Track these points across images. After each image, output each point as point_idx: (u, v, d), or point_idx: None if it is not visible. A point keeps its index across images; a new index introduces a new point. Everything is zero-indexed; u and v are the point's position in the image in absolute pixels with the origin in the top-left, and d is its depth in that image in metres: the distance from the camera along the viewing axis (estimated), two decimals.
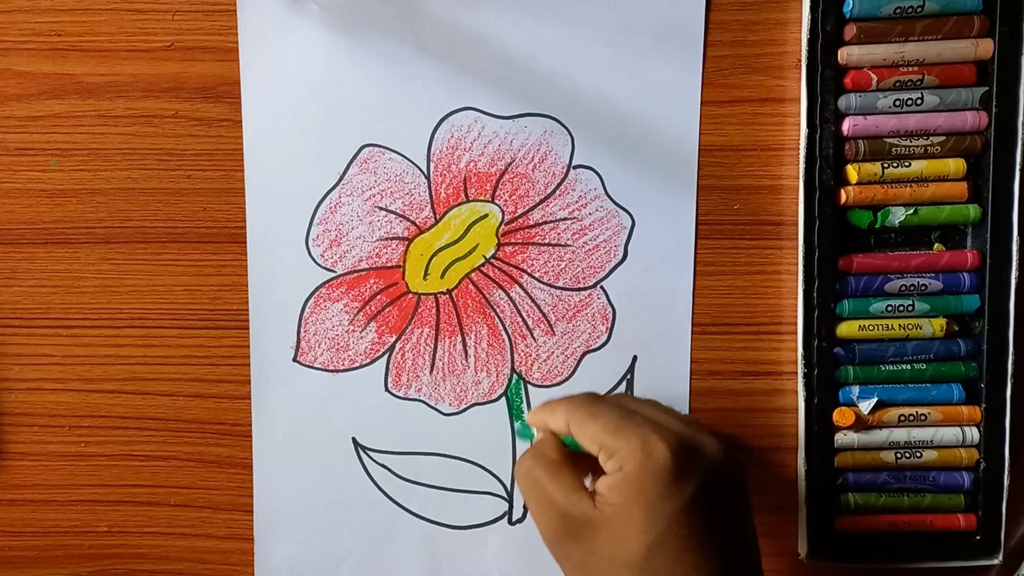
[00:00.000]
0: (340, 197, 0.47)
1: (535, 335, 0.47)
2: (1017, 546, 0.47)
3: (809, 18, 0.44)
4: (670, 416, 0.39)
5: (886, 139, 0.45)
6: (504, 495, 0.48)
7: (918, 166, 0.45)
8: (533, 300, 0.47)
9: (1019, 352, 0.45)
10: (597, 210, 0.47)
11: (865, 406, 0.46)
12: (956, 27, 0.44)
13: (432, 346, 0.48)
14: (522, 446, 0.48)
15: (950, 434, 0.46)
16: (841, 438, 0.46)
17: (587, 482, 0.40)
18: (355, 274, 0.47)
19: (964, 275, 0.46)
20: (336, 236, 0.47)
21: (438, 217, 0.47)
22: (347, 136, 0.47)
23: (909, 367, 0.46)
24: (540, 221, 0.47)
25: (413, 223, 0.47)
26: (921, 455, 0.46)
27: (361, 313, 0.47)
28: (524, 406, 0.48)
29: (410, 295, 0.47)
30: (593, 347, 0.47)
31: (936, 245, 0.46)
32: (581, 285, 0.47)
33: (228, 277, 0.48)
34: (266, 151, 0.47)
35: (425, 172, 0.47)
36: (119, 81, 0.47)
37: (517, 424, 0.47)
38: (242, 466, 0.48)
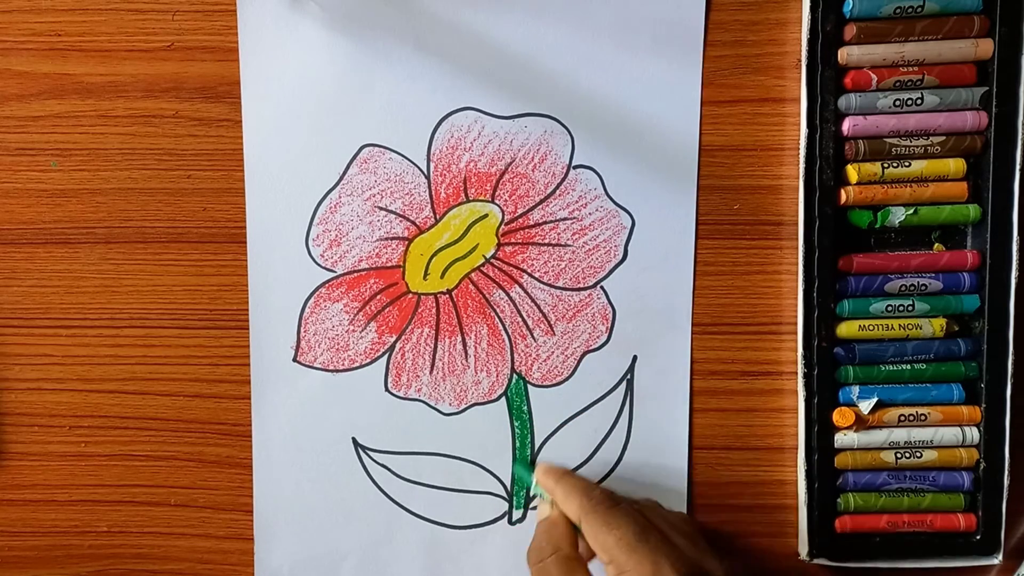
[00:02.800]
0: (340, 197, 0.47)
1: (535, 335, 0.47)
2: (1017, 546, 0.47)
3: (809, 18, 0.44)
4: (681, 535, 0.40)
5: (886, 139, 0.45)
6: (504, 495, 0.48)
7: (918, 166, 0.45)
8: (533, 300, 0.47)
9: (1019, 352, 0.45)
10: (597, 210, 0.47)
11: (865, 406, 0.46)
12: (956, 27, 0.44)
13: (432, 346, 0.48)
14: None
15: (950, 434, 0.46)
16: (841, 438, 0.46)
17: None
18: (355, 274, 0.47)
19: (964, 275, 0.46)
20: (336, 236, 0.47)
21: (438, 217, 0.47)
22: (347, 136, 0.47)
23: (909, 367, 0.46)
24: (540, 221, 0.47)
25: (413, 223, 0.47)
26: (921, 455, 0.46)
27: (361, 313, 0.47)
28: (525, 405, 0.48)
29: (410, 295, 0.47)
30: (593, 347, 0.47)
31: (936, 245, 0.46)
32: (581, 285, 0.47)
33: (228, 277, 0.48)
34: (266, 151, 0.47)
35: (425, 172, 0.47)
36: (119, 81, 0.47)
37: (518, 467, 0.47)
38: (242, 466, 0.48)
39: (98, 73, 0.47)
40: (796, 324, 0.46)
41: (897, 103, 0.45)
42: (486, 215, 0.47)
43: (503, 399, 0.48)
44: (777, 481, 0.48)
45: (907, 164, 0.45)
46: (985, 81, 0.45)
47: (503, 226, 0.47)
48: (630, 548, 0.39)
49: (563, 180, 0.47)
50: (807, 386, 0.46)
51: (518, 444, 0.48)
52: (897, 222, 0.46)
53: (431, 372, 0.48)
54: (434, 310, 0.47)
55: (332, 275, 0.47)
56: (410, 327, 0.47)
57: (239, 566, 0.49)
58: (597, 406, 0.48)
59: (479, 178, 0.47)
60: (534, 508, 0.48)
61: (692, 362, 0.47)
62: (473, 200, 0.47)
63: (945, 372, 0.46)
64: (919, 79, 0.44)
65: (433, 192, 0.47)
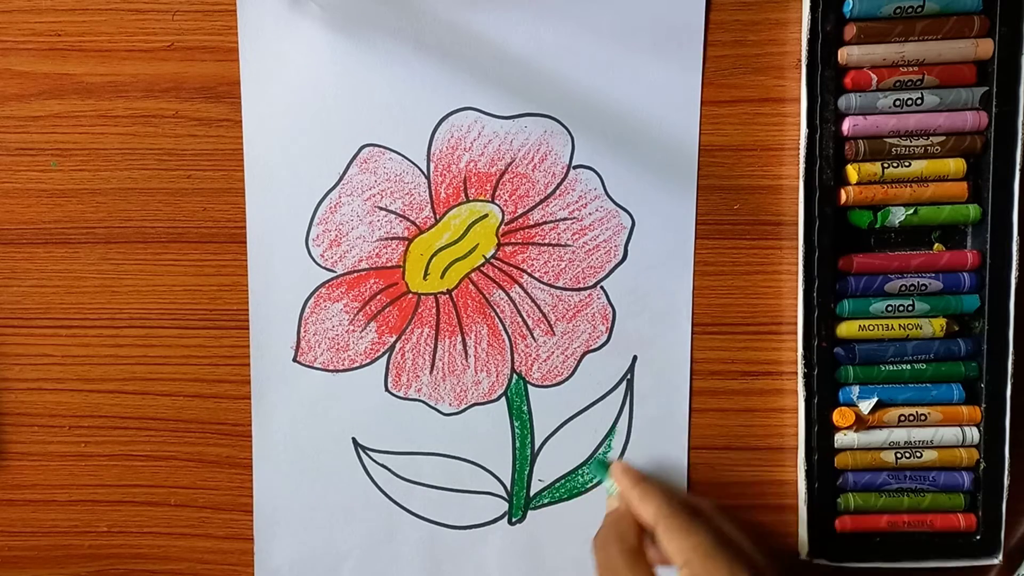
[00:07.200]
0: (340, 197, 0.47)
1: (535, 335, 0.47)
2: (1017, 546, 0.47)
3: (809, 18, 0.44)
4: (758, 553, 0.41)
5: (886, 139, 0.45)
6: (504, 495, 0.48)
7: (918, 166, 0.45)
8: (533, 300, 0.47)
9: (1019, 352, 0.45)
10: (597, 210, 0.47)
11: (865, 406, 0.46)
12: (956, 27, 0.44)
13: (432, 346, 0.48)
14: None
15: (950, 434, 0.46)
16: (841, 438, 0.46)
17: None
18: (355, 274, 0.47)
19: (964, 275, 0.46)
20: (336, 236, 0.47)
21: (438, 217, 0.47)
22: (347, 136, 0.47)
23: (909, 367, 0.46)
24: (540, 221, 0.47)
25: (413, 223, 0.47)
26: (921, 455, 0.46)
27: (361, 313, 0.47)
28: (525, 405, 0.48)
29: (410, 295, 0.47)
30: (593, 347, 0.47)
31: (936, 245, 0.46)
32: (581, 285, 0.47)
33: (228, 277, 0.48)
34: (266, 151, 0.47)
35: (425, 172, 0.47)
36: (119, 81, 0.47)
37: (595, 464, 0.47)
38: (242, 466, 0.48)
39: (98, 73, 0.47)
40: (796, 324, 0.46)
41: (897, 103, 0.45)
42: (486, 215, 0.47)
43: (503, 399, 0.48)
44: (777, 481, 0.48)
45: (907, 164, 0.45)
46: (985, 81, 0.45)
47: (503, 226, 0.47)
48: (707, 555, 0.39)
49: (563, 180, 0.47)
50: (807, 386, 0.46)
51: (518, 444, 0.48)
52: (897, 222, 0.46)
53: (431, 372, 0.48)
54: (434, 310, 0.47)
55: (332, 275, 0.47)
56: (410, 327, 0.47)
57: (239, 566, 0.49)
58: (597, 406, 0.48)
59: (479, 178, 0.47)
60: (535, 509, 0.48)
61: (692, 362, 0.47)
62: (473, 200, 0.47)
63: (945, 372, 0.46)
64: (919, 79, 0.44)
65: (433, 192, 0.47)
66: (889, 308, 0.46)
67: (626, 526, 0.42)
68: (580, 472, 0.48)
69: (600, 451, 0.48)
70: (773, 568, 0.40)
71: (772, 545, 0.48)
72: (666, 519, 0.41)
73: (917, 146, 0.45)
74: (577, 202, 0.47)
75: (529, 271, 0.47)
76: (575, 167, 0.47)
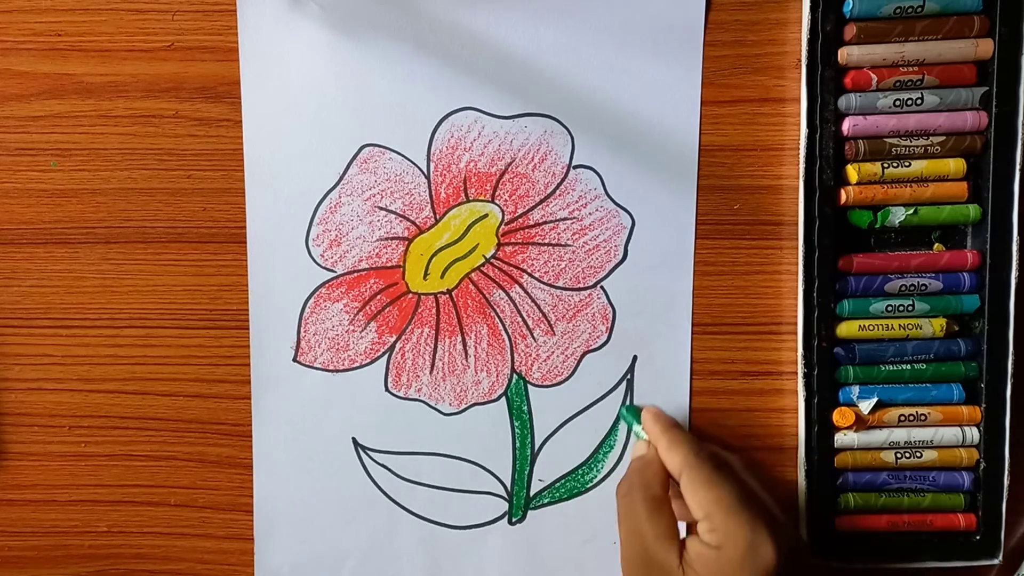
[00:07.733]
0: (340, 197, 0.47)
1: (535, 335, 0.47)
2: (1017, 546, 0.47)
3: (809, 18, 0.44)
4: (781, 514, 0.40)
5: (886, 139, 0.45)
6: (504, 495, 0.48)
7: (918, 166, 0.45)
8: (533, 300, 0.47)
9: (1019, 352, 0.45)
10: (597, 210, 0.47)
11: (865, 406, 0.46)
12: (956, 27, 0.44)
13: (432, 346, 0.48)
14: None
15: (950, 434, 0.46)
16: (841, 438, 0.46)
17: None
18: (355, 274, 0.47)
19: (964, 275, 0.46)
20: (336, 236, 0.47)
21: (438, 217, 0.47)
22: (347, 136, 0.47)
23: (909, 367, 0.46)
24: (540, 221, 0.47)
25: (413, 223, 0.47)
26: (921, 455, 0.46)
27: (361, 313, 0.47)
28: (525, 405, 0.48)
29: (410, 295, 0.47)
30: (593, 347, 0.47)
31: (936, 245, 0.46)
32: (581, 285, 0.47)
33: (228, 277, 0.48)
34: (266, 151, 0.47)
35: (425, 172, 0.47)
36: (119, 81, 0.47)
37: (625, 409, 0.47)
38: (242, 466, 0.48)
39: (98, 73, 0.47)
40: (796, 324, 0.46)
41: (897, 103, 0.45)
42: (486, 215, 0.47)
43: (503, 399, 0.48)
44: (777, 481, 0.48)
45: (907, 164, 0.45)
46: (985, 81, 0.45)
47: (503, 226, 0.47)
48: (729, 510, 0.38)
49: (563, 180, 0.47)
50: (807, 386, 0.46)
51: (518, 444, 0.48)
52: (897, 222, 0.46)
53: (431, 372, 0.48)
54: (434, 310, 0.47)
55: (332, 275, 0.47)
56: (410, 327, 0.47)
57: (239, 566, 0.49)
58: (597, 406, 0.48)
59: (479, 178, 0.47)
60: (535, 509, 0.48)
61: (692, 362, 0.47)
62: (473, 200, 0.47)
63: (945, 372, 0.46)
64: (919, 79, 0.44)
65: (433, 192, 0.47)
66: (889, 308, 0.46)
67: (651, 474, 0.41)
68: (580, 472, 0.48)
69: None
70: (795, 531, 0.40)
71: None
72: (691, 469, 0.40)
73: (917, 146, 0.45)
74: (577, 202, 0.47)
75: (529, 271, 0.47)
76: (575, 167, 0.47)
